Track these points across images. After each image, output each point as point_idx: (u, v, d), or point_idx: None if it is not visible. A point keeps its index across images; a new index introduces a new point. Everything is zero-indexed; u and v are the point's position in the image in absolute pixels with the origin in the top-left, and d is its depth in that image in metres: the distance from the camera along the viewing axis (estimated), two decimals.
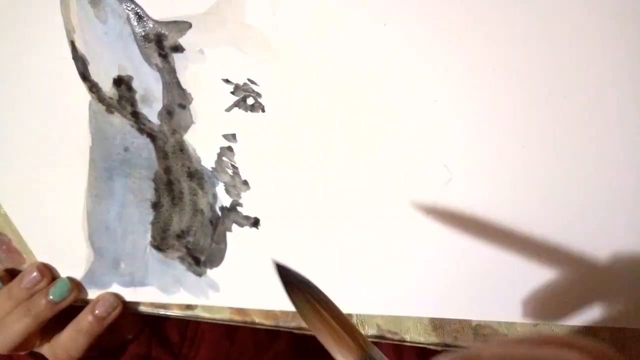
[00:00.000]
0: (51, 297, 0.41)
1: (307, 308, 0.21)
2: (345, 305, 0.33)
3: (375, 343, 0.35)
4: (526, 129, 0.24)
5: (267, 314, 0.38)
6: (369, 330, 0.34)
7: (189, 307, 0.41)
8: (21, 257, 0.44)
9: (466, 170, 0.26)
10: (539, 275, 0.27)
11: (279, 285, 0.34)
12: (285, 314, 0.37)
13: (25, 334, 0.40)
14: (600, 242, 0.26)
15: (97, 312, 0.41)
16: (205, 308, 0.40)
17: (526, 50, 0.23)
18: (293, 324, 0.37)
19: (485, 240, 0.28)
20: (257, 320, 0.38)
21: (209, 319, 0.41)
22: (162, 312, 0.43)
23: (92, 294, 0.43)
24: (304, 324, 0.37)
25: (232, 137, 0.30)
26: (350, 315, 0.34)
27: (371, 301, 0.32)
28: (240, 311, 0.39)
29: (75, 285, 0.42)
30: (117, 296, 0.42)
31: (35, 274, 0.42)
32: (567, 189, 0.25)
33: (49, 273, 0.43)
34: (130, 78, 0.31)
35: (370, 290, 0.32)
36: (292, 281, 0.22)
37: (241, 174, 0.32)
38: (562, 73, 0.23)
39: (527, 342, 0.18)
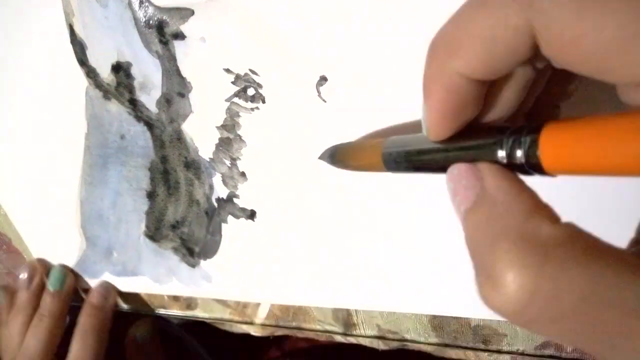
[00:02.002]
0: (51, 288, 0.41)
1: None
2: (344, 301, 0.33)
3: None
4: None
5: (268, 314, 0.37)
6: (369, 331, 0.34)
7: (188, 306, 0.41)
8: (21, 257, 0.44)
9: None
10: None
11: (275, 276, 0.34)
12: (285, 314, 0.37)
13: (51, 339, 0.40)
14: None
15: (94, 302, 0.41)
16: (205, 308, 0.40)
17: None
18: (294, 324, 0.37)
19: None
20: (257, 320, 0.38)
21: (208, 318, 0.40)
22: (162, 311, 0.42)
23: (84, 282, 0.43)
24: (304, 325, 0.36)
25: (231, 127, 0.30)
26: (349, 311, 0.34)
27: (371, 298, 0.32)
28: (240, 312, 0.38)
29: (68, 269, 0.42)
30: (107, 282, 0.42)
31: (24, 274, 0.42)
32: (565, 189, 0.25)
33: (40, 267, 0.42)
34: (129, 64, 0.30)
35: (369, 287, 0.31)
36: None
37: (239, 165, 0.31)
38: None
39: None
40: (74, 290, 0.42)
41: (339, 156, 0.25)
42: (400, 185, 0.28)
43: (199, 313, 0.41)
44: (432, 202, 0.28)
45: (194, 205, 0.34)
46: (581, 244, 0.12)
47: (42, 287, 0.42)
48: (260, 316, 0.38)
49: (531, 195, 0.14)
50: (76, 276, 0.43)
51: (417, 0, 0.23)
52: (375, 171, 0.21)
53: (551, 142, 0.13)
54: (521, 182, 0.14)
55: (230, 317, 0.39)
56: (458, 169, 0.16)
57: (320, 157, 0.27)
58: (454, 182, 0.16)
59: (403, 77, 0.25)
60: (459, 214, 0.15)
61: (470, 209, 0.15)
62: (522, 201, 0.13)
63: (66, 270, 0.42)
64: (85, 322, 0.41)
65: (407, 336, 0.33)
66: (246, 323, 0.39)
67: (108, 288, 0.42)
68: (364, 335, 0.35)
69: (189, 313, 0.41)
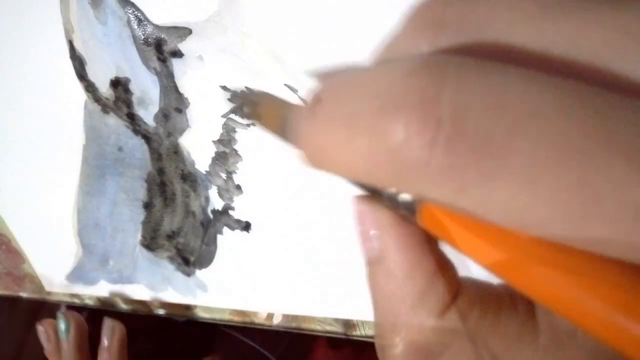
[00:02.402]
0: (62, 337, 0.42)
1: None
2: (341, 311, 0.34)
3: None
4: None
5: (267, 315, 0.38)
6: (369, 331, 0.35)
7: (188, 308, 0.41)
8: (20, 257, 0.44)
9: None
10: None
11: (267, 285, 0.35)
12: (284, 315, 0.37)
13: None
14: None
15: (104, 343, 0.41)
16: (205, 309, 0.40)
17: None
18: (294, 325, 0.38)
19: None
20: (256, 320, 0.39)
21: (208, 319, 0.41)
22: (161, 311, 0.43)
23: (80, 289, 0.43)
24: (303, 325, 0.37)
25: (227, 142, 0.31)
26: (349, 320, 0.35)
27: (367, 308, 0.32)
28: (240, 312, 0.39)
29: (72, 316, 0.42)
30: (115, 322, 0.42)
31: (42, 332, 0.42)
32: None
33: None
34: (127, 80, 0.31)
35: (365, 297, 0.32)
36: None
37: (234, 178, 0.32)
38: None
39: None
40: (82, 333, 0.42)
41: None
42: None
43: (199, 314, 0.41)
44: None
45: (189, 216, 0.35)
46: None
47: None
48: (260, 317, 0.38)
49: (428, 269, 0.12)
50: (78, 320, 0.43)
51: None
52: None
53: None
54: (423, 247, 0.13)
55: (230, 318, 0.40)
56: (360, 208, 0.14)
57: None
58: (359, 222, 0.14)
59: None
60: (363, 256, 0.14)
61: (371, 263, 0.14)
62: (417, 278, 0.12)
63: (68, 316, 0.42)
64: None
65: None
66: (246, 324, 0.40)
67: (112, 328, 0.42)
68: (364, 335, 0.36)
69: (188, 314, 0.42)
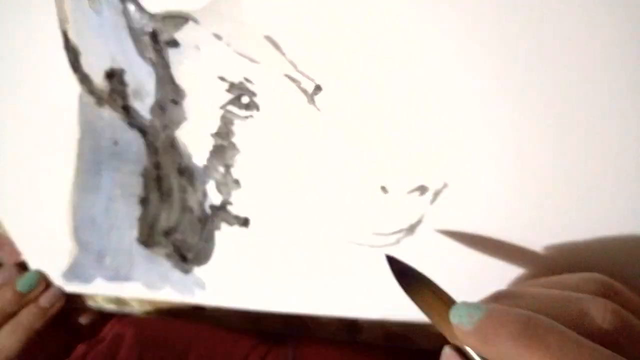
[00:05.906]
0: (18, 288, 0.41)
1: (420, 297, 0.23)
2: (340, 309, 0.33)
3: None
4: (521, 139, 0.24)
5: (274, 314, 0.37)
6: (374, 332, 0.35)
7: (197, 309, 0.40)
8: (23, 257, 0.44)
9: (462, 179, 0.26)
10: None
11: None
12: (290, 314, 0.37)
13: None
14: (591, 253, 0.26)
15: (40, 303, 0.41)
16: (214, 309, 0.40)
17: (522, 63, 0.23)
18: (298, 323, 0.37)
19: (485, 249, 0.28)
20: (264, 321, 0.38)
21: (217, 319, 0.40)
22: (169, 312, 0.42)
23: (75, 287, 0.43)
24: (309, 324, 0.37)
25: (225, 135, 0.30)
26: (354, 320, 0.34)
27: (368, 306, 0.32)
28: (247, 312, 0.38)
29: (43, 277, 0.42)
30: (61, 289, 0.42)
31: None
32: (562, 202, 0.25)
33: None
34: (122, 71, 0.30)
35: (365, 294, 0.32)
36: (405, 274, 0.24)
37: (233, 172, 0.31)
38: (559, 85, 0.23)
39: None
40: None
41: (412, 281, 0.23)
42: (394, 191, 0.28)
43: (208, 312, 0.41)
44: (432, 208, 0.28)
45: (187, 212, 0.34)
46: None
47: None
48: (269, 317, 0.38)
49: None
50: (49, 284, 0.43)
51: (410, 14, 0.23)
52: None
53: None
54: None
55: (236, 319, 0.39)
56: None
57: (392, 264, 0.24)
58: None
59: (396, 87, 0.25)
60: None
61: None
62: None
63: (40, 277, 0.42)
64: (26, 313, 0.40)
65: (413, 336, 0.33)
66: (252, 322, 0.39)
67: (57, 296, 0.42)
68: (370, 336, 0.35)
69: (198, 312, 0.41)
